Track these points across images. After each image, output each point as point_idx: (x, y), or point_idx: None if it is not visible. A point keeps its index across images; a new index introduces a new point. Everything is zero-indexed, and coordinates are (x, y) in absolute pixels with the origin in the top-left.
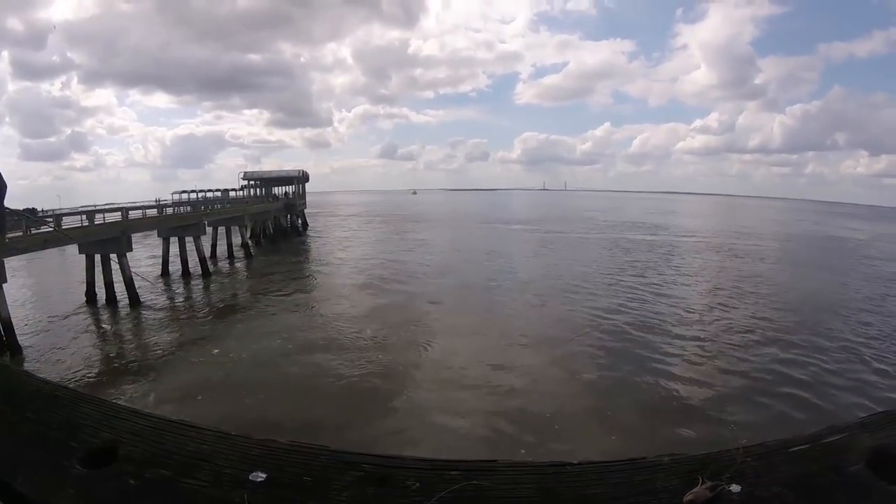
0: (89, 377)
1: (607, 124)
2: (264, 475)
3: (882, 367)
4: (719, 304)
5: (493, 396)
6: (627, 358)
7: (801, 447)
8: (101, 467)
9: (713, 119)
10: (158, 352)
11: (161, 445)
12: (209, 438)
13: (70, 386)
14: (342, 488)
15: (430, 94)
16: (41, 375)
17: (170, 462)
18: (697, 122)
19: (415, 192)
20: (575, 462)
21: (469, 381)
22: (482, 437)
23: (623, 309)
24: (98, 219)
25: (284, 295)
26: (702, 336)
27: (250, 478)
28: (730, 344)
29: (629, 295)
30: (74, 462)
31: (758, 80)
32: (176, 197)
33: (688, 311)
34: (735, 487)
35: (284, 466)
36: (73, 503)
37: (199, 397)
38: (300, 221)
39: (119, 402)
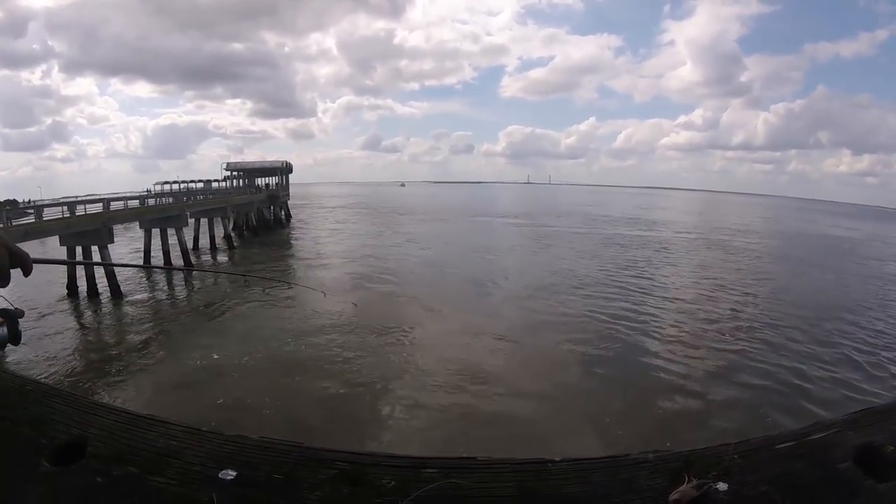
0: (76, 377)
1: (592, 119)
2: (234, 473)
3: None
4: (725, 306)
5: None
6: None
7: (788, 444)
8: (68, 464)
9: (697, 115)
10: (155, 351)
11: (130, 441)
12: (179, 434)
13: (44, 381)
14: (314, 487)
15: (415, 85)
16: (12, 369)
17: (138, 459)
18: (682, 119)
19: (403, 185)
20: (556, 459)
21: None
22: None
23: (629, 312)
24: (79, 210)
25: (271, 290)
26: (711, 338)
27: (220, 476)
28: (737, 348)
29: (634, 297)
30: (42, 459)
31: (743, 78)
32: (158, 188)
33: (693, 311)
34: (722, 485)
35: (255, 464)
36: (38, 501)
37: (220, 401)
38: (283, 213)
39: (90, 397)
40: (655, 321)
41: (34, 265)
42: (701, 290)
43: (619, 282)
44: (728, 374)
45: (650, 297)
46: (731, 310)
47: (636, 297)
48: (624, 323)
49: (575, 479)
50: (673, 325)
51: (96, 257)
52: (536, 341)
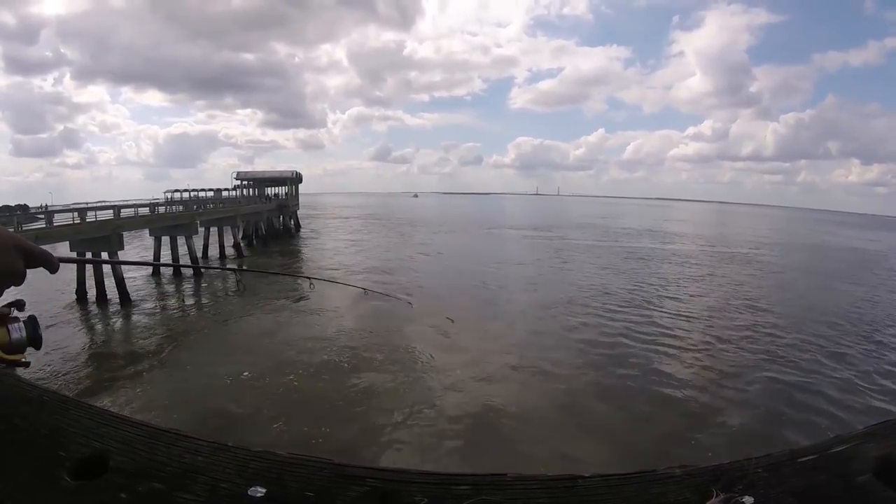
0: (91, 388)
1: (601, 130)
2: (263, 490)
3: None
4: (759, 324)
5: None
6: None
7: (810, 457)
8: (91, 479)
9: (707, 126)
10: (172, 365)
11: (154, 456)
12: (205, 450)
13: (60, 391)
14: None
15: (424, 97)
16: (28, 379)
17: (163, 474)
18: (691, 130)
19: (416, 196)
20: (586, 475)
21: None
22: None
23: (660, 330)
24: (90, 217)
25: (283, 300)
26: (744, 357)
27: (249, 492)
28: (771, 367)
29: (664, 315)
30: (63, 473)
31: (752, 89)
32: (168, 196)
33: (727, 329)
34: (748, 499)
35: (285, 481)
36: None
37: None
38: (293, 223)
39: (109, 409)
40: (688, 339)
41: (60, 264)
42: (732, 307)
43: (648, 298)
44: (759, 391)
45: (681, 314)
46: (765, 328)
47: (666, 315)
48: (655, 341)
49: (605, 495)
50: (704, 343)
51: (107, 266)
52: (571, 360)
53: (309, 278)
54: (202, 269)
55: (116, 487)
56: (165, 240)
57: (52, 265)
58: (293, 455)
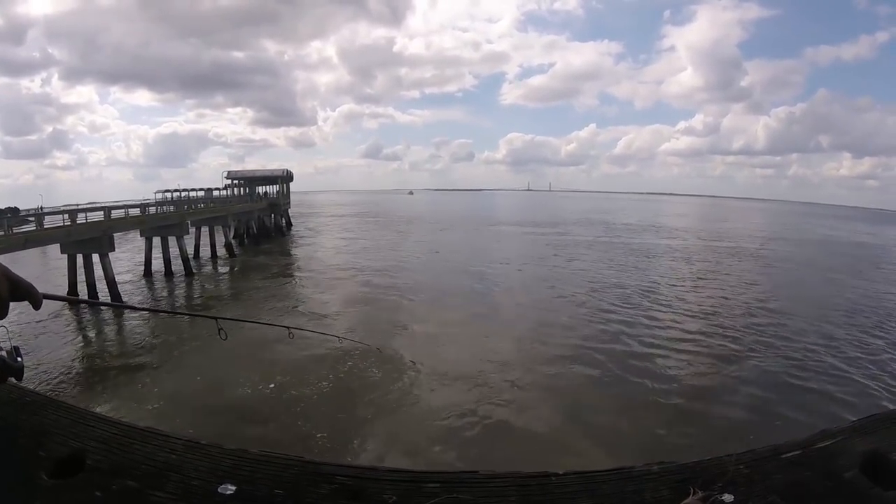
0: (76, 389)
1: (592, 126)
2: (234, 487)
3: None
4: (771, 320)
5: None
6: None
7: (794, 453)
8: (67, 478)
9: (698, 121)
10: (165, 369)
11: (129, 454)
12: (179, 448)
13: (43, 393)
14: (314, 502)
15: (415, 93)
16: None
17: (137, 472)
18: (682, 124)
19: (411, 193)
20: (560, 472)
21: None
22: None
23: (676, 329)
24: (80, 218)
25: (277, 301)
26: (756, 353)
27: (219, 490)
28: (779, 361)
29: (678, 314)
30: (42, 472)
31: (744, 83)
32: (159, 196)
33: (740, 326)
34: (727, 497)
35: (255, 478)
36: None
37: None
38: (284, 221)
39: (88, 409)
40: (702, 335)
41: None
42: (745, 305)
43: (665, 300)
44: (762, 387)
45: (699, 315)
46: (777, 328)
47: (687, 317)
48: (673, 341)
49: (579, 493)
50: (716, 338)
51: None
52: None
53: (289, 328)
54: (180, 315)
55: (92, 486)
56: (157, 241)
57: (35, 300)
58: (265, 453)
